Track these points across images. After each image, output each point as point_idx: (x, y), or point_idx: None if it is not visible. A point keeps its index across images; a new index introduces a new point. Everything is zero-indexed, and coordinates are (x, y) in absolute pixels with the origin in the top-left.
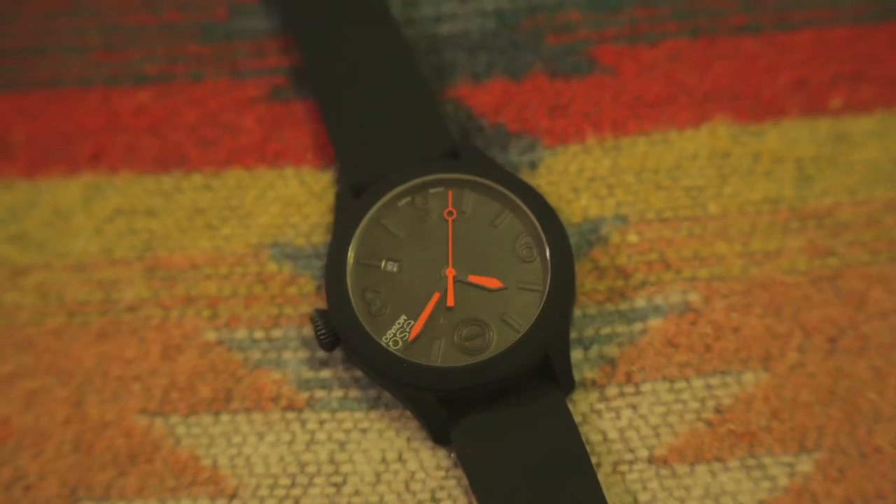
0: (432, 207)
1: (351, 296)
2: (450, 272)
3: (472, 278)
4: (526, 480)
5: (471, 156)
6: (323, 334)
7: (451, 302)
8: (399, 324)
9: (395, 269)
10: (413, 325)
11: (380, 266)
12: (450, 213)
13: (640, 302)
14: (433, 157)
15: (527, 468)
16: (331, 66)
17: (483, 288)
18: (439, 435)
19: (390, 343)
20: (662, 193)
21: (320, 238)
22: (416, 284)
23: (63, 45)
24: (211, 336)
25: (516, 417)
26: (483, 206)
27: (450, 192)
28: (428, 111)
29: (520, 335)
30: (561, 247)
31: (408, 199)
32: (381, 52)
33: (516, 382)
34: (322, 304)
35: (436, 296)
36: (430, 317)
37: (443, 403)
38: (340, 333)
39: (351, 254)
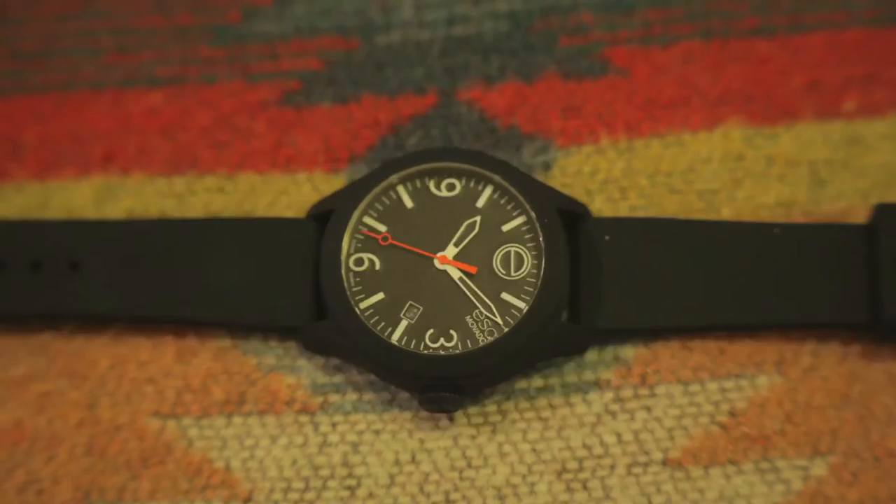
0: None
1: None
2: (443, 260)
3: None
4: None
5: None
6: (447, 395)
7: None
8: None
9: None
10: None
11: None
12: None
13: None
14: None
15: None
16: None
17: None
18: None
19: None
20: (676, 197)
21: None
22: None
23: (75, 48)
24: (225, 340)
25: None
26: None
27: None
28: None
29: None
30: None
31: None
32: None
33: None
34: None
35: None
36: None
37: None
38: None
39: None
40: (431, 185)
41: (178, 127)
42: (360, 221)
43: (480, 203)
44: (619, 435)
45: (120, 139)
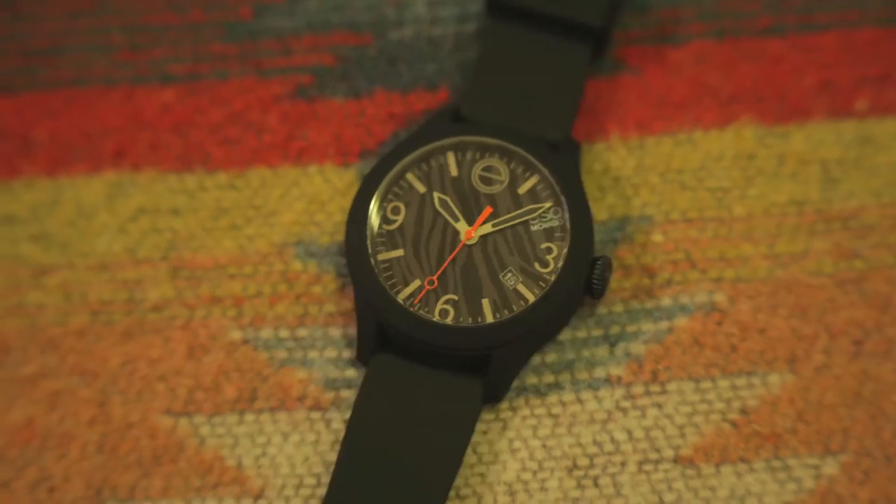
0: (495, 172)
1: (375, 196)
2: (468, 233)
3: (483, 252)
4: (395, 443)
5: (565, 153)
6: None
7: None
8: (398, 250)
9: (429, 201)
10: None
11: (424, 192)
12: (502, 184)
13: (666, 301)
14: (540, 138)
15: (403, 435)
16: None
17: (484, 267)
18: (362, 353)
19: (378, 259)
20: (688, 194)
21: (344, 236)
22: (435, 226)
23: (87, 45)
24: (236, 335)
25: (431, 388)
26: (536, 202)
27: (518, 170)
28: (568, 99)
29: (482, 323)
30: (575, 275)
31: (483, 152)
32: (565, 34)
33: (455, 363)
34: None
35: (446, 248)
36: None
37: (383, 333)
38: (348, 224)
39: (403, 163)
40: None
41: (189, 124)
42: (535, 169)
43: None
44: (630, 432)
45: (131, 136)
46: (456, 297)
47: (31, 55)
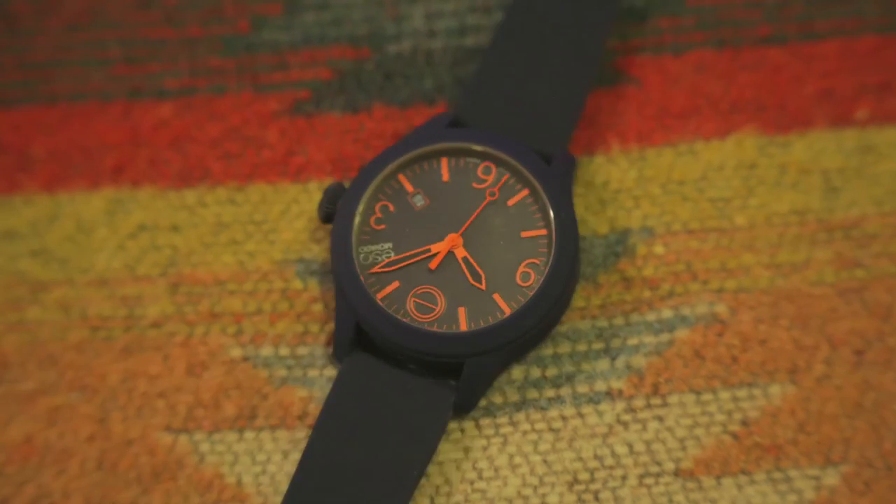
0: (490, 180)
1: (365, 194)
2: (453, 238)
3: (466, 261)
4: (362, 442)
5: (560, 168)
6: (325, 205)
7: (434, 265)
8: (381, 247)
9: (418, 202)
10: (391, 257)
11: (409, 192)
12: (492, 194)
13: (667, 313)
14: (533, 147)
15: (371, 435)
16: (520, 20)
17: (465, 275)
18: (339, 352)
19: (361, 255)
20: (689, 205)
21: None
22: (422, 228)
23: (84, 59)
24: (236, 353)
25: (402, 391)
26: (525, 216)
27: (510, 181)
28: (568, 113)
29: (456, 331)
30: (552, 295)
31: (476, 159)
32: (571, 41)
33: (431, 368)
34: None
35: (427, 250)
36: (409, 263)
37: (361, 333)
38: (336, 215)
39: (397, 163)
40: (529, 261)
41: (187, 139)
42: (525, 181)
43: (495, 298)
44: (630, 445)
45: (130, 151)
46: (434, 304)
47: (29, 69)
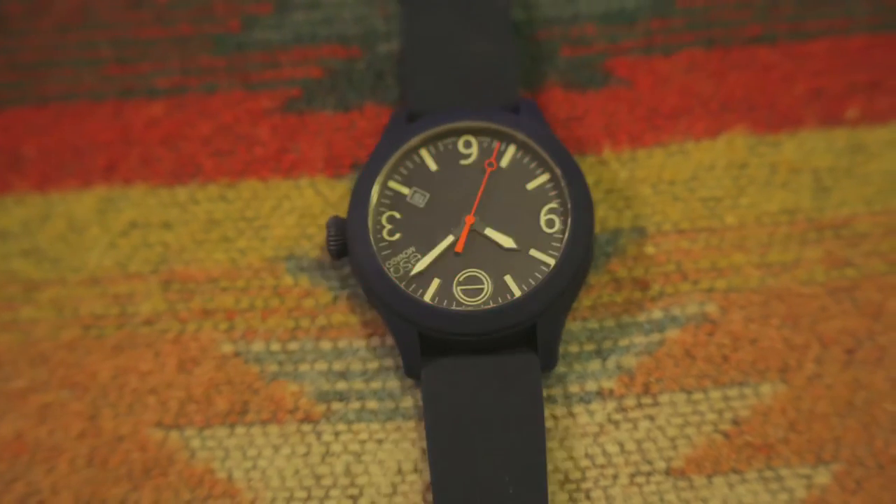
0: (475, 153)
1: (370, 212)
2: (469, 219)
3: (489, 232)
4: (478, 437)
5: (529, 115)
6: (332, 241)
7: (460, 248)
8: (406, 254)
9: (419, 201)
10: (420, 259)
11: (406, 194)
12: (490, 164)
13: (657, 313)
14: (495, 105)
15: (482, 426)
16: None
17: (496, 244)
18: (411, 369)
19: (391, 269)
20: (679, 205)
21: (350, 265)
22: (435, 221)
23: (75, 59)
24: (227, 348)
25: (488, 375)
26: (523, 167)
27: (497, 144)
28: (505, 62)
29: (514, 298)
30: (584, 226)
31: (453, 138)
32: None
33: (500, 343)
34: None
35: (449, 238)
36: (438, 256)
37: (424, 340)
38: (349, 245)
39: (384, 172)
40: (549, 205)
41: (179, 137)
42: (508, 140)
43: (532, 253)
44: (621, 444)
45: (121, 150)
46: (480, 283)
47: (20, 70)
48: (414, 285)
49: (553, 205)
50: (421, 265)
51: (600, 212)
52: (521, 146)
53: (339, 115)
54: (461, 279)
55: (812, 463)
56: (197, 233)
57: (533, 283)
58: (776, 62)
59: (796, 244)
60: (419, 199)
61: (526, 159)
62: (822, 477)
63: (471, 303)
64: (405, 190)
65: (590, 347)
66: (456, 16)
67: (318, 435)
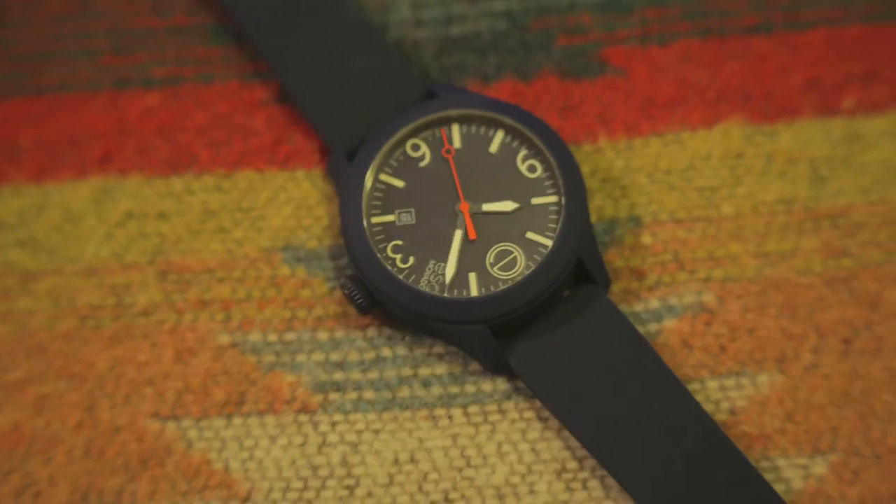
0: (426, 151)
1: (377, 255)
2: (464, 207)
3: (487, 207)
4: (598, 381)
5: (447, 93)
6: (359, 298)
7: (472, 235)
8: (430, 269)
9: (409, 219)
10: (444, 266)
11: (394, 221)
12: (447, 151)
13: (654, 303)
14: (411, 103)
15: (594, 369)
16: (285, 43)
17: (500, 213)
18: (497, 365)
19: (428, 290)
20: (676, 194)
21: (333, 240)
22: (435, 228)
23: (71, 50)
24: (224, 339)
25: (568, 325)
26: (475, 135)
27: (442, 131)
28: (392, 63)
29: (549, 248)
30: (561, 152)
31: (400, 149)
32: (331, 19)
33: (557, 295)
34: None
35: (457, 233)
36: (459, 253)
37: (495, 332)
38: (376, 293)
39: (364, 215)
40: (520, 155)
41: (175, 127)
42: (447, 123)
43: (536, 201)
44: None
45: (117, 140)
46: (509, 254)
47: (16, 60)
48: (455, 290)
49: (523, 152)
50: (450, 270)
51: (596, 201)
52: (460, 120)
53: None
54: (491, 260)
55: (809, 453)
56: (193, 223)
57: (554, 225)
58: (772, 52)
59: (793, 234)
60: (407, 217)
61: (473, 128)
62: (820, 467)
63: (514, 274)
64: (390, 217)
65: None
66: (322, 47)
67: (315, 425)
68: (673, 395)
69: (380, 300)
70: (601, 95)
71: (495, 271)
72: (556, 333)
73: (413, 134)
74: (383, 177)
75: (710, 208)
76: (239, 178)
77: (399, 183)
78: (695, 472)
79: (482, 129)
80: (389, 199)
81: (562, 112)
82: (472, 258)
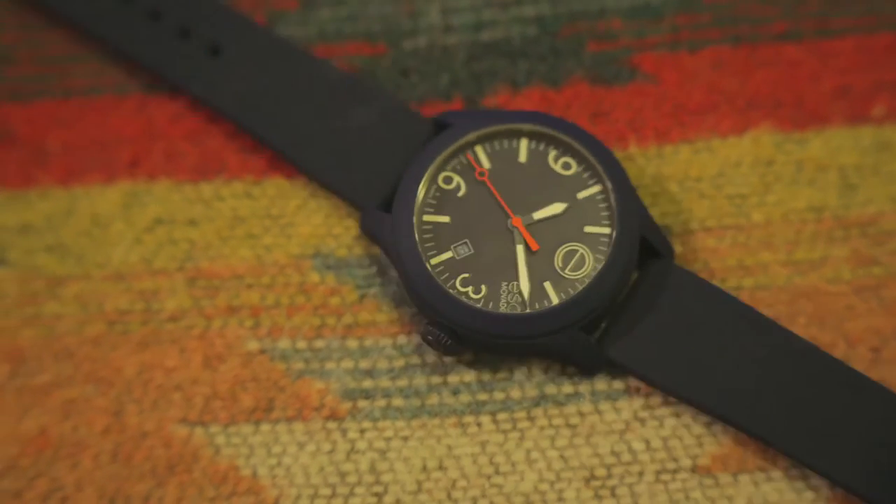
0: (460, 180)
1: (450, 293)
2: (516, 222)
3: (538, 214)
4: (704, 347)
5: (457, 118)
6: (446, 340)
7: (535, 246)
8: (505, 291)
9: (467, 251)
10: (518, 284)
11: (453, 256)
12: (481, 174)
13: None
14: (423, 140)
15: (695, 337)
16: (283, 125)
17: (552, 217)
18: (596, 364)
19: (509, 310)
20: (706, 202)
21: (363, 249)
22: (495, 251)
23: (99, 53)
24: (253, 345)
25: (653, 303)
26: (500, 150)
27: (468, 156)
28: (390, 107)
29: (613, 235)
30: (590, 142)
31: (434, 186)
32: (316, 85)
33: (629, 277)
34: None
35: (520, 247)
36: (527, 268)
37: (589, 331)
38: (461, 329)
39: (422, 255)
40: (551, 154)
41: (203, 132)
42: (471, 146)
43: (581, 195)
44: (647, 442)
45: (146, 145)
46: (575, 252)
47: (45, 63)
48: (536, 303)
49: (553, 152)
50: (524, 286)
51: None
52: (481, 141)
53: None
54: (560, 264)
55: None
56: (222, 229)
57: (608, 213)
58: (802, 59)
59: (823, 242)
60: (464, 249)
61: (496, 145)
62: None
63: (587, 270)
64: (448, 254)
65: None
66: (318, 115)
67: (344, 432)
68: (779, 338)
69: (464, 336)
70: (631, 102)
71: (568, 273)
72: (645, 315)
73: (441, 168)
74: (427, 217)
75: (740, 216)
76: (268, 184)
77: (444, 219)
78: (824, 400)
79: (505, 143)
80: (441, 237)
81: (592, 119)
82: (541, 268)
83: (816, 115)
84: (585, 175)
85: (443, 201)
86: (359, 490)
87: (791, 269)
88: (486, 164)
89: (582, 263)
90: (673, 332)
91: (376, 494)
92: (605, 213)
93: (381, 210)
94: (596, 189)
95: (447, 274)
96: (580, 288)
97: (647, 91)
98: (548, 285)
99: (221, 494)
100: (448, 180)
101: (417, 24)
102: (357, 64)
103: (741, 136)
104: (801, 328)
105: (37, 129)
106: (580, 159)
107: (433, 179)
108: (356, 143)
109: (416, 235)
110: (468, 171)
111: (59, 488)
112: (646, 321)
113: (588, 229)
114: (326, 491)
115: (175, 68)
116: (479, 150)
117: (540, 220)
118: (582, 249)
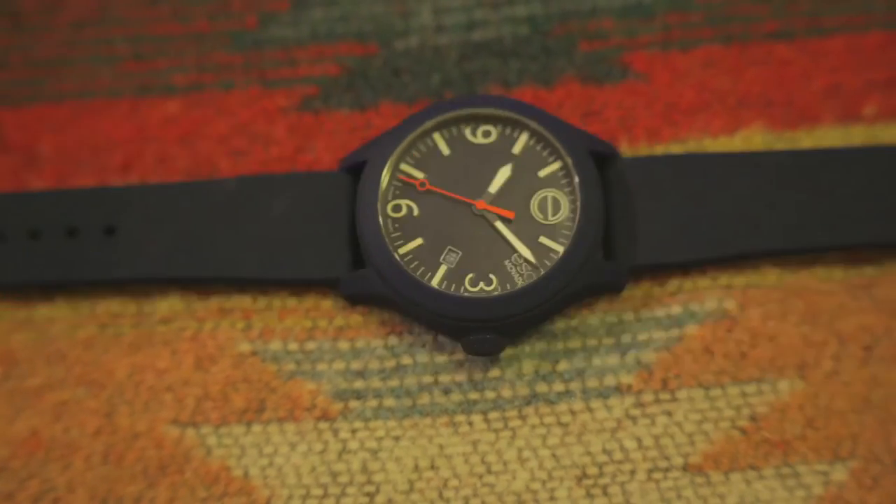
0: (408, 203)
1: (471, 298)
2: (480, 205)
3: (492, 188)
4: (709, 205)
5: (364, 154)
6: (488, 341)
7: (510, 215)
8: (512, 268)
9: (456, 257)
10: (518, 255)
11: (448, 268)
12: (422, 185)
13: (676, 308)
14: (351, 195)
15: (696, 203)
16: (205, 256)
17: (506, 182)
18: (624, 278)
19: (527, 281)
20: None
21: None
22: (480, 242)
23: (91, 56)
24: (245, 347)
25: (634, 198)
26: (423, 157)
27: (402, 178)
28: (297, 181)
29: (566, 166)
30: (489, 100)
31: (389, 220)
32: (223, 203)
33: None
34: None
35: (499, 226)
36: (518, 236)
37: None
38: (499, 324)
39: (432, 290)
40: (467, 132)
41: (195, 135)
42: (396, 168)
43: (516, 149)
44: (639, 440)
45: (137, 148)
46: (548, 196)
47: (36, 67)
48: (546, 261)
49: (467, 129)
50: (526, 252)
51: None
52: (402, 158)
53: (356, 115)
54: (540, 217)
55: (829, 459)
56: None
57: (549, 150)
58: (794, 58)
59: None
60: (453, 257)
61: (415, 153)
62: (840, 474)
63: (569, 209)
64: (443, 269)
65: (608, 342)
66: (236, 228)
67: (335, 432)
68: (758, 160)
69: (506, 325)
70: (623, 101)
71: (552, 219)
72: (634, 212)
73: (385, 200)
74: (403, 250)
75: None
76: None
77: (417, 242)
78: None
79: (422, 147)
80: (427, 260)
81: (583, 118)
82: (528, 229)
83: (807, 114)
84: (507, 131)
85: (405, 228)
86: (350, 490)
87: (782, 267)
88: (418, 175)
89: (558, 204)
90: (670, 210)
91: (368, 494)
92: (546, 152)
93: (353, 270)
94: (524, 137)
95: (454, 285)
96: (575, 226)
97: (639, 90)
98: (544, 239)
99: (213, 495)
100: (397, 208)
101: (409, 24)
102: (348, 64)
103: (732, 136)
104: (792, 326)
105: (28, 134)
106: (495, 121)
107: (385, 214)
108: (288, 230)
109: (406, 271)
110: (409, 189)
111: (51, 489)
112: (640, 216)
113: (542, 173)
114: (318, 491)
115: (72, 268)
116: (405, 167)
117: (498, 191)
118: (549, 193)
